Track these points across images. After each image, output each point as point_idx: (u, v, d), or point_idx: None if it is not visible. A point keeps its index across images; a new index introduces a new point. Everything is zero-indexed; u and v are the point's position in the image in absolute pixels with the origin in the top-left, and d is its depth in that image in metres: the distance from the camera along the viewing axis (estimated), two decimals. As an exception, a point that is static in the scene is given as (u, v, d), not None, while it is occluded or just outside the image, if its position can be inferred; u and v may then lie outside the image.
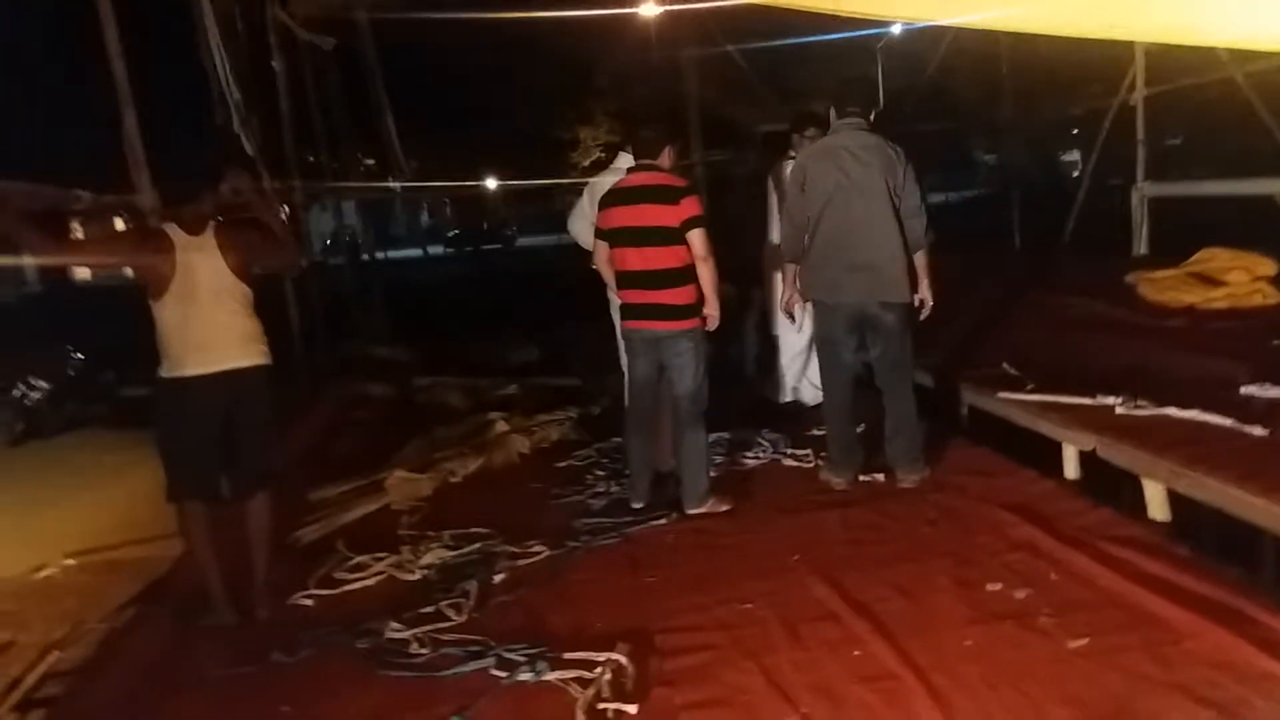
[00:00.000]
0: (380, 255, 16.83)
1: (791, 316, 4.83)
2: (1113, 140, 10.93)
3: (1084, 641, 2.95)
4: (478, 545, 4.28)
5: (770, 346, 6.32)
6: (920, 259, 4.43)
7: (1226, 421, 4.14)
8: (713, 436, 4.74)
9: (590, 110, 29.68)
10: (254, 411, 3.75)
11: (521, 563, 4.08)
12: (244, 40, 7.11)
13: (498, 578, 3.93)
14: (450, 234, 37.93)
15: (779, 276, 5.15)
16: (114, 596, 4.09)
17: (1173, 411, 4.37)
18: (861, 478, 4.66)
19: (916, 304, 4.49)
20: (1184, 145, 18.64)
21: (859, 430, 4.77)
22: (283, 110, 8.79)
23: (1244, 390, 4.56)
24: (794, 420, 5.69)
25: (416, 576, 4.06)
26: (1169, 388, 4.71)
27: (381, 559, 4.19)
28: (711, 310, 4.34)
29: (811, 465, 4.97)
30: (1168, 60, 9.99)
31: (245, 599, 3.77)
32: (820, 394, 5.01)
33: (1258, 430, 4.02)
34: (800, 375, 6.11)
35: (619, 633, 3.31)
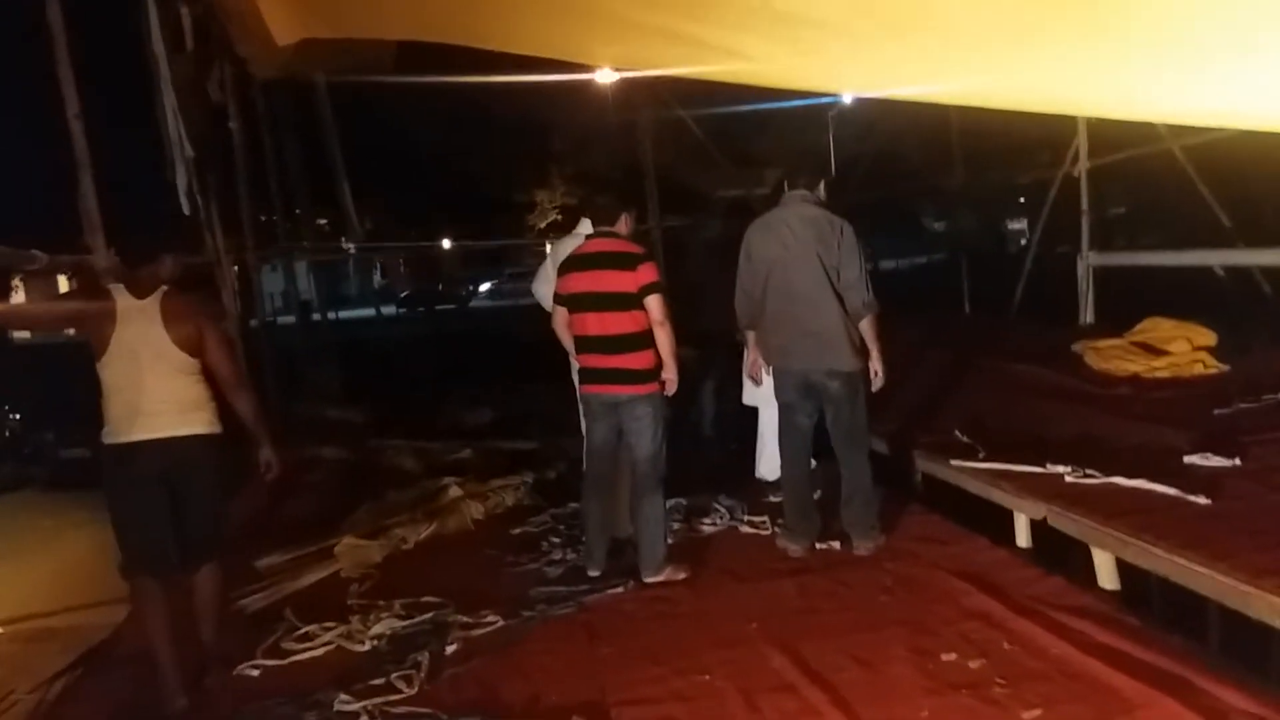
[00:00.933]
0: (332, 315, 16.72)
1: (756, 380, 4.87)
2: (1059, 209, 11.29)
3: (1037, 712, 2.97)
4: (430, 615, 4.19)
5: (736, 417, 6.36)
6: (866, 329, 4.50)
7: (1171, 491, 4.24)
8: (670, 502, 4.73)
9: (547, 173, 30.01)
10: (198, 480, 3.64)
11: (475, 633, 4.00)
12: (200, 99, 7.11)
13: (450, 648, 3.86)
14: (403, 294, 37.85)
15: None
16: (46, 666, 3.95)
17: (1120, 480, 4.46)
18: (818, 545, 4.68)
19: (872, 373, 4.55)
20: (1128, 215, 19.29)
21: (815, 497, 4.80)
22: (238, 170, 8.77)
23: (1187, 459, 4.69)
24: (751, 487, 5.70)
25: (366, 647, 3.96)
26: (1116, 456, 4.83)
27: (330, 628, 4.08)
28: (670, 374, 4.37)
29: (768, 532, 4.97)
30: (1110, 133, 10.37)
31: (190, 668, 3.65)
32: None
33: (1201, 499, 4.12)
34: None
35: (574, 705, 3.27)
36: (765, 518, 5.12)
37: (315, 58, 8.65)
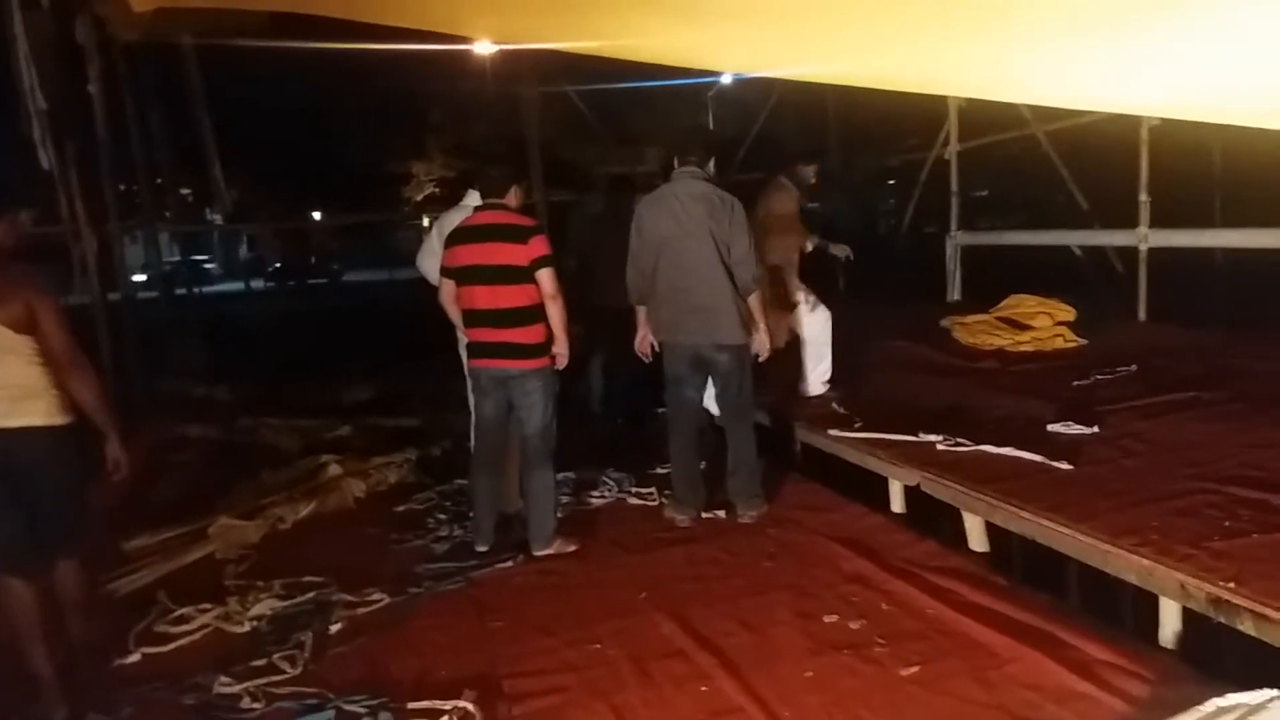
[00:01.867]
0: (198, 289, 16.01)
1: (645, 357, 4.90)
2: (928, 191, 11.70)
3: (915, 669, 3.11)
4: (312, 594, 4.09)
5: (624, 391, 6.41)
6: (753, 303, 4.59)
7: (1036, 457, 4.47)
8: (559, 476, 4.73)
9: (424, 145, 29.32)
10: (44, 476, 3.27)
11: (360, 611, 3.93)
12: (58, 57, 6.67)
13: (335, 627, 3.78)
14: (273, 268, 36.47)
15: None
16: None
17: (988, 448, 4.68)
18: (704, 514, 4.76)
19: (755, 346, 4.65)
20: (992, 197, 20.11)
21: (701, 468, 4.88)
22: (99, 136, 8.27)
23: (1050, 428, 4.95)
24: (639, 458, 5.74)
25: (246, 628, 3.85)
26: (984, 425, 5.06)
27: (207, 610, 3.95)
28: (560, 349, 4.36)
29: (656, 503, 5.04)
30: (977, 117, 10.79)
31: (58, 659, 3.45)
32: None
33: (1064, 465, 4.36)
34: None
35: (465, 679, 3.26)
36: (653, 489, 5.18)
37: (182, 21, 8.20)
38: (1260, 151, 7.21)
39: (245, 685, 3.30)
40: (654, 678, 3.20)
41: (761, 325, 4.62)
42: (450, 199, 5.14)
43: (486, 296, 4.26)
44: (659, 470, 5.41)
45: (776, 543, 4.38)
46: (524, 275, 4.21)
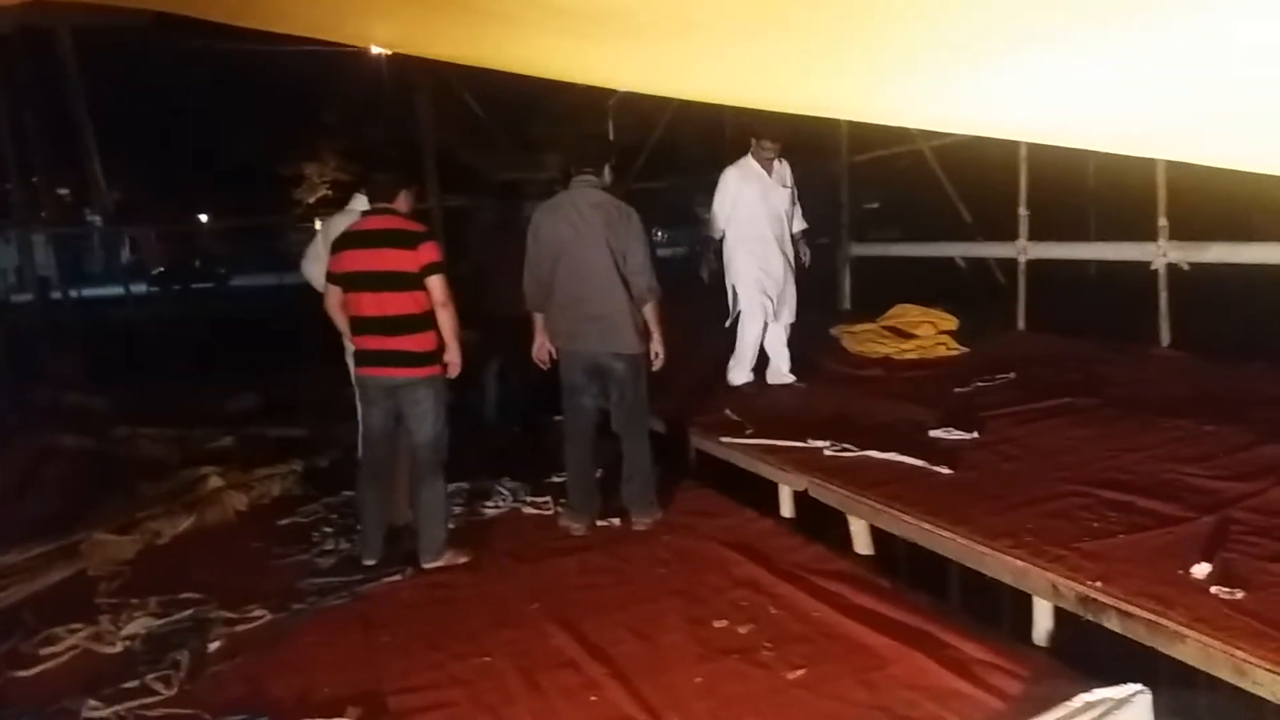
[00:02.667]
0: (75, 293, 15.30)
1: (542, 365, 4.86)
2: (821, 203, 11.94)
3: (801, 672, 3.16)
4: (189, 612, 3.95)
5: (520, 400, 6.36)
6: (650, 312, 4.61)
7: (918, 462, 4.61)
8: (451, 486, 4.67)
9: (317, 147, 28.64)
10: None
11: (240, 628, 3.81)
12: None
13: (213, 646, 3.66)
14: (156, 271, 35.02)
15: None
16: None
17: (873, 454, 4.80)
18: (599, 522, 4.76)
19: (653, 355, 4.67)
20: (881, 210, 20.71)
21: (597, 476, 4.87)
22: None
23: (932, 433, 5.10)
24: (534, 468, 5.69)
25: (118, 648, 3.69)
26: (869, 431, 5.19)
27: (77, 630, 3.78)
28: (452, 357, 4.29)
29: (551, 512, 5.01)
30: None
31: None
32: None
33: (945, 470, 4.50)
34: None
35: (350, 696, 3.18)
36: (548, 498, 5.15)
37: (58, 13, 7.81)
38: (1131, 169, 7.61)
39: (115, 709, 3.17)
40: (544, 689, 3.18)
41: (657, 334, 4.65)
42: (344, 202, 5.02)
43: (374, 303, 4.17)
44: (555, 479, 5.39)
45: (670, 549, 4.40)
46: (413, 282, 4.13)
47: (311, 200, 29.52)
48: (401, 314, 4.16)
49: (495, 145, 16.31)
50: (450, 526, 4.48)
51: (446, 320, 4.21)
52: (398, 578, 4.26)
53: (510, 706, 3.08)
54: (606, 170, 4.72)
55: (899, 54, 2.21)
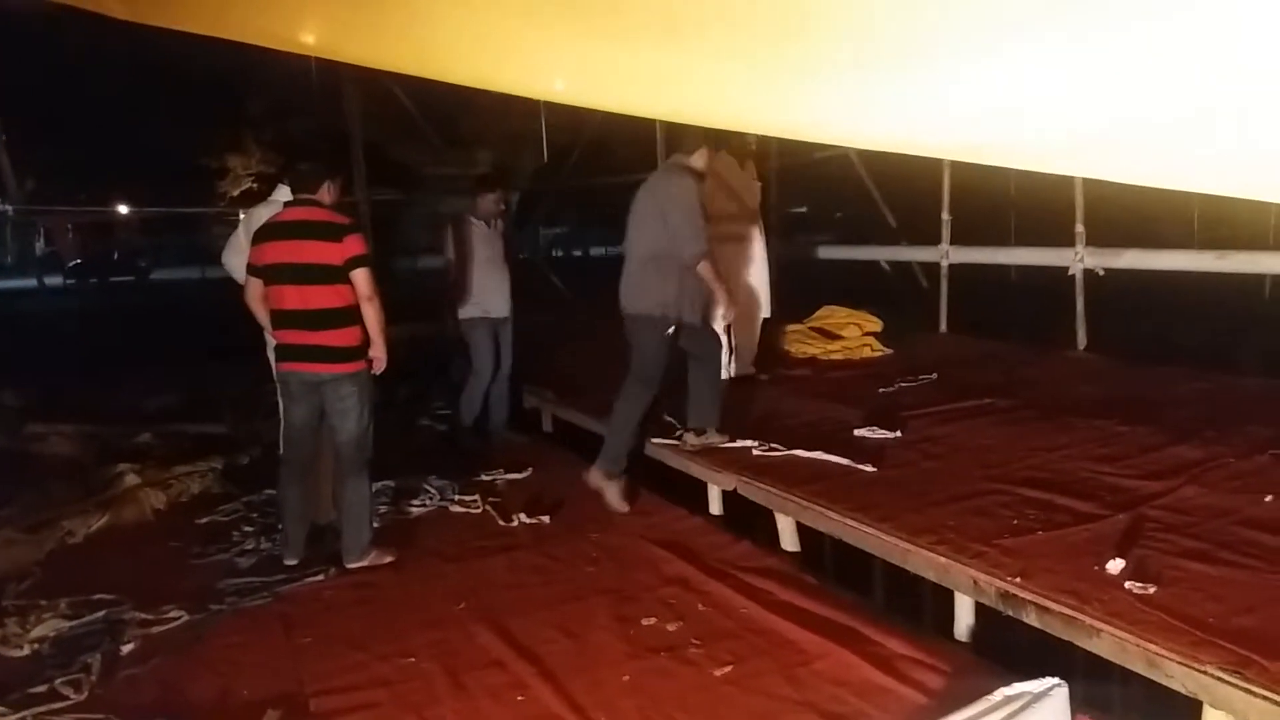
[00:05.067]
0: (-17, 284, 14.70)
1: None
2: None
3: (728, 668, 3.17)
4: (102, 613, 3.82)
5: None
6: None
7: (844, 461, 4.68)
8: (377, 485, 4.59)
9: (242, 138, 27.97)
10: None
11: (155, 629, 3.69)
12: None
13: (126, 648, 3.53)
14: (72, 264, 33.83)
15: None
16: None
17: (800, 453, 4.86)
18: (527, 519, 4.72)
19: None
20: (809, 214, 21.01)
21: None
22: None
23: (857, 432, 5.19)
24: (461, 466, 5.63)
25: (25, 652, 3.55)
26: (796, 431, 5.26)
27: (-21, 635, 3.62)
28: (378, 352, 4.22)
29: (479, 510, 4.96)
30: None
31: None
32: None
33: (869, 468, 4.58)
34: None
35: (269, 699, 3.10)
36: (475, 497, 5.10)
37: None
38: (1050, 178, 7.82)
39: (22, 714, 3.05)
40: (469, 689, 3.14)
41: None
42: (268, 195, 4.90)
43: (296, 297, 4.08)
44: (483, 477, 5.36)
45: (599, 547, 4.39)
46: (337, 275, 4.05)
47: (235, 193, 28.80)
48: (325, 308, 4.07)
49: (425, 140, 16.09)
50: (375, 525, 4.40)
51: (372, 315, 4.13)
52: (320, 578, 4.16)
53: (435, 707, 3.03)
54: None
55: (823, 70, 2.23)
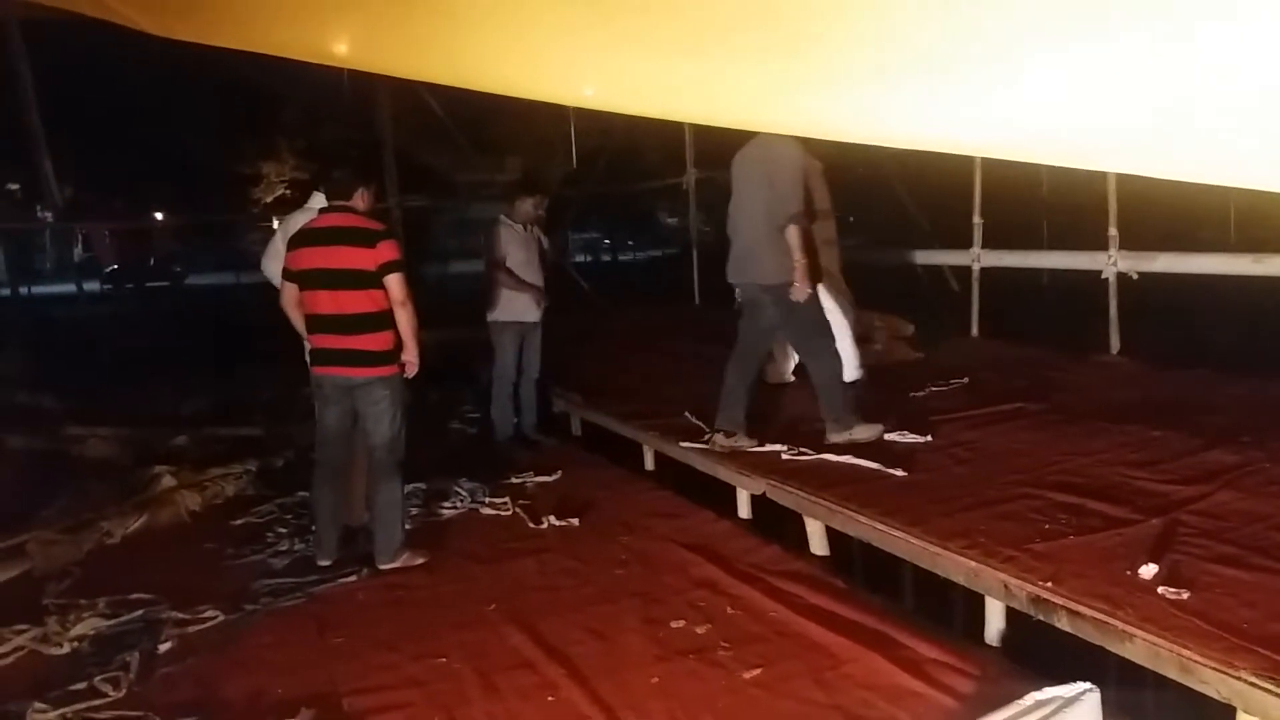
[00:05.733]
0: (25, 290, 14.98)
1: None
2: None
3: (757, 671, 3.18)
4: (140, 612, 3.88)
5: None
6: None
7: (873, 465, 4.66)
8: (408, 487, 4.63)
9: (276, 146, 28.29)
10: None
11: (192, 629, 3.75)
12: None
13: (163, 647, 3.60)
14: (109, 269, 34.36)
15: None
16: None
17: (829, 457, 4.85)
18: (557, 522, 4.75)
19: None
20: (841, 217, 20.95)
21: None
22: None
23: (887, 437, 5.16)
24: (492, 469, 5.67)
25: (66, 650, 3.62)
26: (826, 435, 5.23)
27: (22, 631, 3.70)
28: (410, 356, 4.26)
29: (509, 513, 4.99)
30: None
31: None
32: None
33: (899, 472, 4.56)
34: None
35: (303, 698, 3.15)
36: (506, 499, 5.13)
37: (10, 7, 7.57)
38: (1083, 181, 7.76)
39: (62, 711, 3.11)
40: (500, 690, 3.16)
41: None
42: (302, 200, 4.98)
43: (330, 302, 4.14)
44: (513, 480, 5.40)
45: (628, 550, 4.41)
46: (371, 280, 4.10)
47: (269, 199, 29.16)
48: (358, 312, 4.13)
49: (454, 146, 16.21)
50: (407, 527, 4.45)
51: (405, 319, 4.18)
52: (353, 579, 4.22)
53: (466, 707, 3.06)
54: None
55: (856, 71, 2.24)
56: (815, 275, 5.06)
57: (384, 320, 4.17)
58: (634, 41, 2.90)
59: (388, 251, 4.13)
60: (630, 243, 34.66)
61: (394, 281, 4.13)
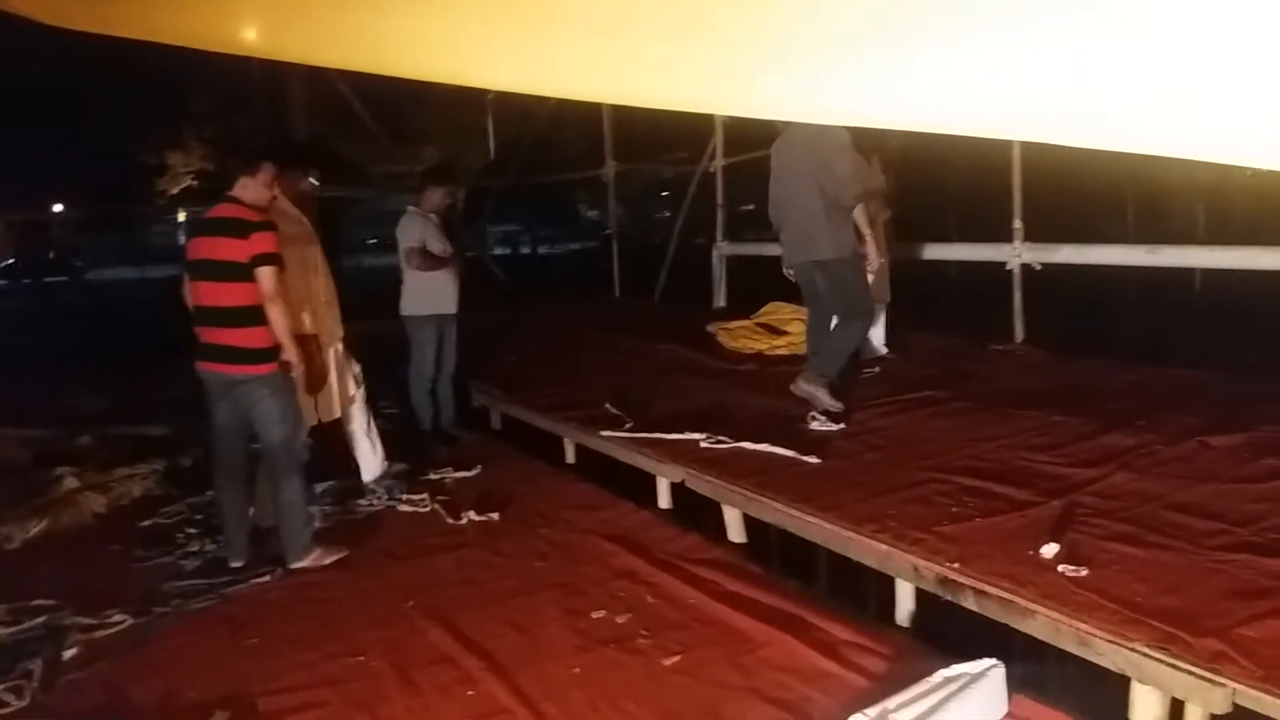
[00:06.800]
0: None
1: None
2: (697, 202, 12.12)
3: (677, 658, 3.22)
4: (42, 619, 3.75)
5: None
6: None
7: (789, 453, 4.75)
8: (322, 485, 4.56)
9: (182, 135, 27.40)
10: None
11: (99, 634, 3.64)
12: None
13: (69, 653, 3.49)
14: (4, 263, 32.88)
15: None
16: None
17: (747, 445, 4.93)
18: (476, 517, 4.72)
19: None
20: (757, 210, 21.18)
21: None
22: None
23: (802, 425, 5.26)
24: (408, 465, 5.61)
25: (-38, 661, 3.48)
26: (743, 424, 5.32)
27: (-86, 644, 3.55)
28: (288, 356, 4.08)
29: (428, 509, 4.94)
30: (744, 132, 11.27)
31: None
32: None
33: (813, 459, 4.66)
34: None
35: (216, 700, 3.09)
36: (424, 495, 5.08)
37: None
38: (989, 175, 8.00)
39: (-40, 723, 3.00)
40: (419, 686, 3.15)
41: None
42: (210, 192, 4.83)
43: (209, 293, 4.02)
44: (431, 476, 5.35)
45: (548, 542, 4.41)
46: (244, 272, 3.95)
47: (175, 190, 28.25)
48: (232, 306, 3.99)
49: (370, 136, 15.93)
50: (317, 525, 4.37)
51: (275, 316, 4.00)
52: (266, 579, 4.14)
53: (385, 704, 3.04)
54: None
55: (778, 44, 2.26)
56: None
57: (257, 315, 4.01)
58: (551, 21, 2.89)
59: (260, 243, 3.96)
60: (549, 235, 34.51)
61: (264, 275, 3.95)
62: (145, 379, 8.43)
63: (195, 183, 26.88)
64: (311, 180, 5.09)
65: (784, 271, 5.70)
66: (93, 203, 31.20)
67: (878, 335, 6.96)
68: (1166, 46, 1.37)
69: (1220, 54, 1.29)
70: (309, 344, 4.56)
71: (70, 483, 5.33)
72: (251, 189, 4.11)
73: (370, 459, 5.34)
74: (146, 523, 4.97)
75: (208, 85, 22.98)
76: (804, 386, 5.30)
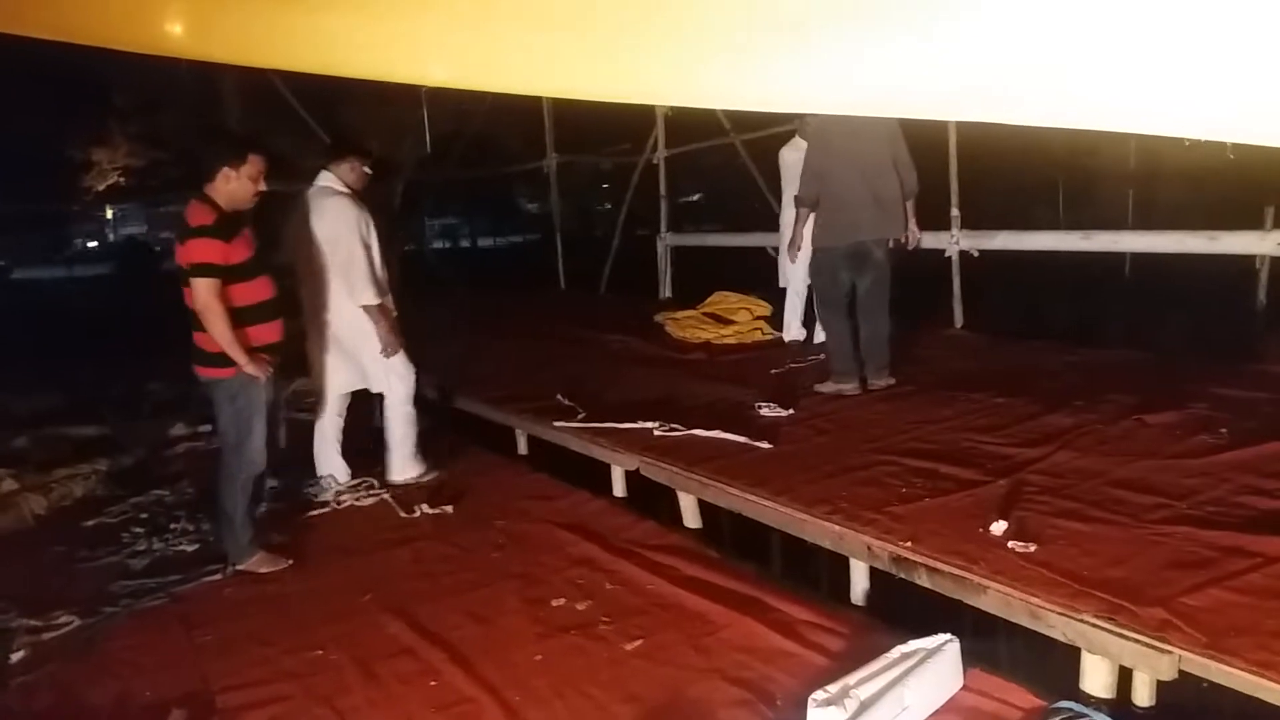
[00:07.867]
0: None
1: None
2: (640, 194, 12.15)
3: (638, 642, 3.25)
4: (-13, 623, 3.66)
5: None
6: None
7: (741, 439, 4.81)
8: (275, 483, 4.49)
9: (107, 131, 26.58)
10: None
11: (46, 636, 3.56)
12: None
13: (16, 656, 3.41)
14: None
15: None
16: None
17: (699, 432, 4.98)
18: (431, 510, 4.70)
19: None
20: (701, 201, 21.25)
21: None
22: None
23: (752, 412, 5.33)
24: (359, 461, 5.53)
25: (-97, 668, 3.38)
26: (695, 411, 5.38)
27: None
28: (240, 363, 3.91)
29: (380, 504, 4.90)
30: (686, 124, 11.33)
31: None
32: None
33: (765, 445, 4.72)
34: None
35: (173, 699, 3.05)
36: (376, 490, 5.04)
37: None
38: (927, 164, 8.12)
39: (-96, 732, 2.91)
40: (380, 678, 3.14)
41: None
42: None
43: (185, 294, 3.95)
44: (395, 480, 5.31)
45: (505, 533, 4.41)
46: (186, 278, 3.87)
47: (101, 187, 27.42)
48: (192, 308, 3.90)
49: (304, 131, 15.63)
50: (249, 534, 4.15)
51: (210, 324, 3.84)
52: (217, 576, 4.07)
53: (347, 696, 3.02)
54: None
55: (719, 32, 2.28)
56: None
57: None
58: (484, 15, 2.88)
59: (193, 251, 3.82)
60: (490, 228, 34.23)
61: (196, 285, 3.81)
62: (79, 380, 8.23)
63: (122, 179, 26.14)
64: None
65: (819, 252, 5.69)
66: (15, 201, 30.13)
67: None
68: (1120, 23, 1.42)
69: (1169, 28, 1.34)
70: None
71: (8, 484, 5.18)
72: (233, 182, 3.92)
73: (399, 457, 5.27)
74: (91, 523, 4.86)
75: (133, 79, 22.35)
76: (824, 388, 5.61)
